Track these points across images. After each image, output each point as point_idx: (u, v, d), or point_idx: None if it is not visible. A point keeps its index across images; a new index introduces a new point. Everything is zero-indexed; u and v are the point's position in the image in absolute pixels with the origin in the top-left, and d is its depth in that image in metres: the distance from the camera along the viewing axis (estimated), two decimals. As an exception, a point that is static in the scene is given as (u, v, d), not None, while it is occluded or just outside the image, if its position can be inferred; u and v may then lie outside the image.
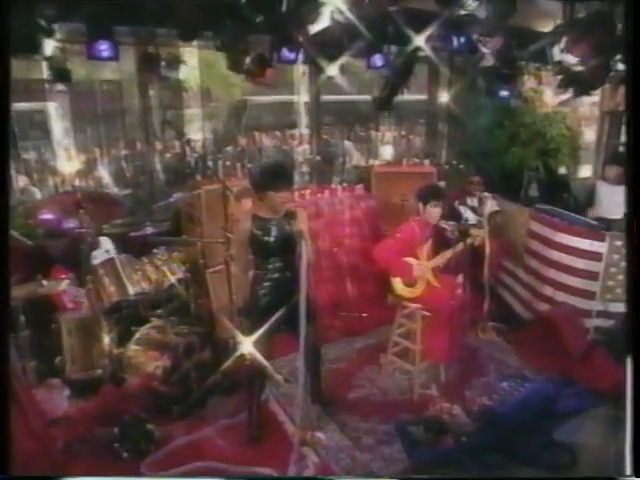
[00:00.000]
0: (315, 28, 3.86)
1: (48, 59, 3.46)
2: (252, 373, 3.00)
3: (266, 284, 2.87)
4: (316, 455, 2.89)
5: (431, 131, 6.60)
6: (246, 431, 3.07)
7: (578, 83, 3.66)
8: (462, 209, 4.76)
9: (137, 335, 3.34)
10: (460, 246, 3.35)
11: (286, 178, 2.84)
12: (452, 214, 4.66)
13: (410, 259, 3.33)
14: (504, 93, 5.54)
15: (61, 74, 3.66)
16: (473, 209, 4.73)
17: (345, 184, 5.31)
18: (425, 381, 3.57)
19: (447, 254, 3.38)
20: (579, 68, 3.47)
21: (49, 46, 3.40)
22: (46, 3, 3.27)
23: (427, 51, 5.29)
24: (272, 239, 2.84)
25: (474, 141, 6.07)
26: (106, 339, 3.25)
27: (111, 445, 2.90)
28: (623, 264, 3.68)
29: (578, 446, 2.96)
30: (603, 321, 3.84)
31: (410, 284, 3.34)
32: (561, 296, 3.99)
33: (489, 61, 4.12)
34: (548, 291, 4.11)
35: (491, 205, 4.47)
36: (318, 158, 5.72)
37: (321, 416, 3.24)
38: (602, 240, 3.70)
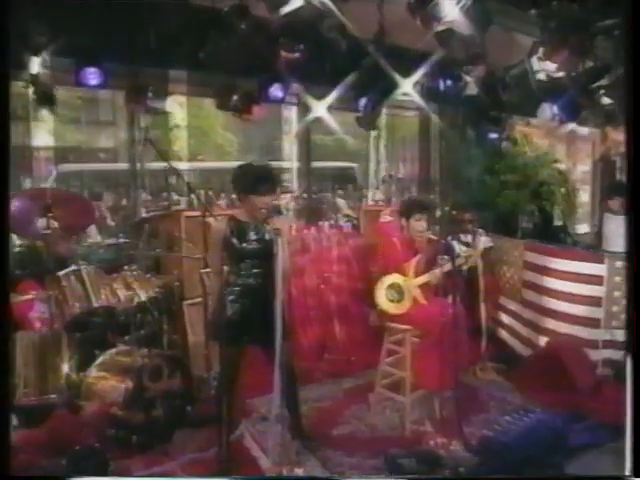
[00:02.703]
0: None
1: (34, 79, 3.55)
2: (224, 405, 2.78)
3: (237, 289, 2.72)
4: (292, 489, 2.60)
5: (424, 181, 6.74)
6: (214, 465, 2.79)
7: (557, 93, 3.79)
8: (455, 245, 4.70)
9: (100, 359, 3.13)
10: (449, 266, 3.25)
11: (270, 182, 2.73)
12: (445, 250, 4.61)
13: (395, 275, 3.21)
14: (493, 135, 5.74)
15: (46, 97, 3.76)
16: (467, 244, 4.67)
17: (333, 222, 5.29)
18: (418, 417, 3.31)
19: (436, 272, 3.26)
20: (558, 75, 3.60)
21: (35, 65, 3.50)
22: (35, 26, 3.44)
23: (414, 96, 5.58)
24: (247, 243, 2.73)
25: (466, 190, 6.16)
26: (65, 361, 3.04)
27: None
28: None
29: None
30: (611, 352, 3.63)
31: (395, 299, 3.19)
32: (564, 327, 3.81)
33: (473, 89, 4.28)
34: (550, 324, 3.93)
35: (485, 241, 4.43)
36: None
37: (301, 451, 2.95)
38: (601, 262, 3.61)
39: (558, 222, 5.58)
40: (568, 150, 8.73)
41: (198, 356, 3.75)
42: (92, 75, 4.05)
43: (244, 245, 2.74)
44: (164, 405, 3.07)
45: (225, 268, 2.80)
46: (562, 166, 5.92)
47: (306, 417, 3.20)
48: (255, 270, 2.74)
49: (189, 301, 3.98)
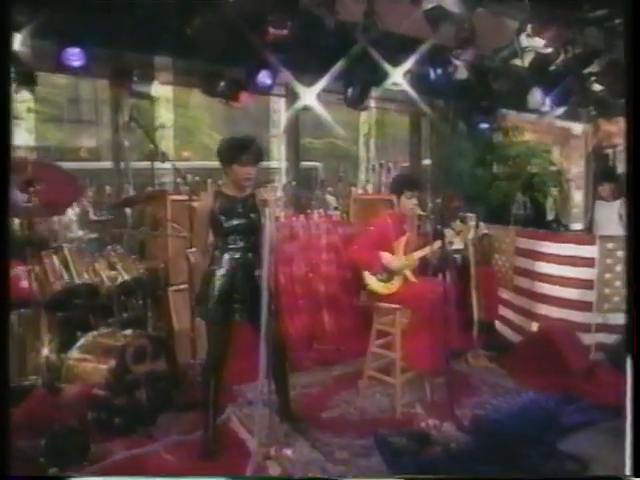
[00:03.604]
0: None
1: (14, 58, 3.54)
2: (211, 388, 2.78)
3: (224, 264, 2.73)
4: (280, 466, 2.59)
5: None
6: (200, 447, 2.78)
7: (546, 66, 3.86)
8: (447, 232, 4.74)
9: (82, 341, 3.11)
10: (438, 243, 3.29)
11: (254, 152, 2.75)
12: (436, 238, 4.65)
13: (385, 253, 3.24)
14: (484, 125, 5.83)
15: (26, 77, 3.76)
16: (458, 233, 4.71)
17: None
18: (409, 401, 3.33)
19: (425, 250, 3.30)
20: (547, 51, 3.68)
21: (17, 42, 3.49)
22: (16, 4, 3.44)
23: (404, 85, 5.65)
24: (234, 216, 2.74)
25: (458, 183, 6.24)
26: (45, 342, 3.02)
27: (36, 459, 2.59)
28: (619, 269, 3.62)
29: (587, 456, 2.70)
30: (604, 336, 3.69)
31: (384, 279, 3.22)
32: (556, 312, 3.86)
33: (462, 74, 4.35)
34: (542, 309, 3.98)
35: (479, 229, 4.48)
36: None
37: (289, 433, 2.95)
38: (592, 244, 3.67)
39: (550, 213, 5.66)
40: (562, 150, 8.89)
41: (184, 344, 3.75)
42: (75, 56, 4.06)
43: (231, 219, 2.74)
44: (148, 388, 3.04)
45: (212, 243, 2.82)
46: (554, 157, 6.02)
47: (295, 402, 3.19)
48: (242, 244, 2.75)
49: (174, 287, 3.97)
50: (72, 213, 3.31)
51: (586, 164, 7.53)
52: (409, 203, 3.28)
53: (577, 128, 8.64)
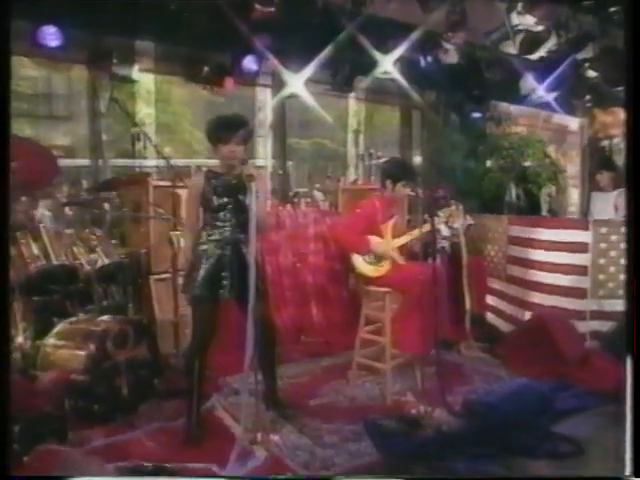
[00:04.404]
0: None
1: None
2: (195, 374, 2.81)
3: (212, 241, 2.80)
4: (266, 450, 2.64)
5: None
6: (183, 433, 2.81)
7: (537, 46, 3.99)
8: (436, 218, 4.83)
9: (58, 327, 3.13)
10: (427, 227, 3.37)
11: (236, 130, 2.83)
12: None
13: (372, 236, 3.32)
14: (476, 115, 5.96)
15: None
16: (446, 222, 4.80)
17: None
18: (400, 389, 3.40)
19: (414, 233, 3.38)
20: (538, 28, 3.81)
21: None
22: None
23: (395, 74, 5.76)
24: (224, 195, 2.83)
25: (450, 177, 6.34)
26: (20, 328, 3.04)
27: (8, 446, 2.61)
28: (613, 254, 3.73)
29: (581, 438, 2.79)
30: (599, 324, 3.79)
31: (373, 261, 3.30)
32: (550, 300, 3.96)
33: (453, 58, 4.47)
34: (536, 298, 4.08)
35: (465, 219, 4.58)
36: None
37: (276, 420, 3.00)
38: (585, 229, 3.78)
39: (545, 206, 5.78)
40: (559, 148, 9.06)
41: (166, 335, 3.78)
42: (51, 36, 4.09)
43: (221, 197, 2.83)
44: (129, 375, 3.08)
45: (201, 222, 2.90)
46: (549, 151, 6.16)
47: (282, 391, 3.24)
48: (232, 222, 2.83)
49: (157, 276, 4.01)
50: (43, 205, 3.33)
51: (582, 159, 7.70)
52: (404, 192, 3.37)
53: (573, 124, 8.84)
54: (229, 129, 2.81)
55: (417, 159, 7.53)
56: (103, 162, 5.84)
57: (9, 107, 1.98)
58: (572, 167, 9.35)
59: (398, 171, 3.46)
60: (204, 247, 2.81)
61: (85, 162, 6.45)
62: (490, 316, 4.65)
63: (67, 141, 15.00)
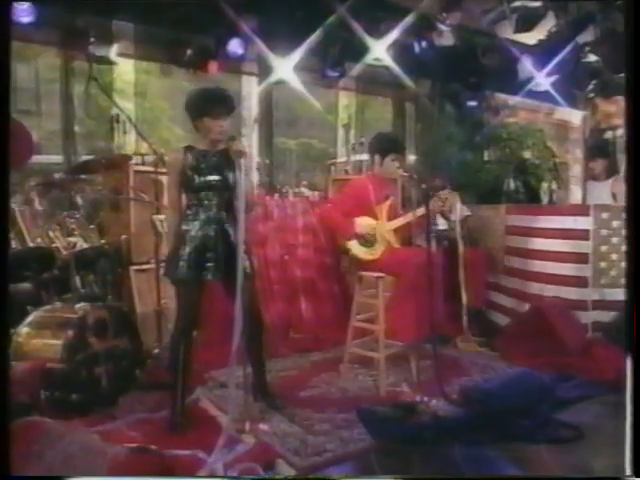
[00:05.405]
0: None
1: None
2: (179, 362, 2.86)
3: (196, 222, 2.84)
4: (254, 438, 2.70)
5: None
6: (168, 421, 2.86)
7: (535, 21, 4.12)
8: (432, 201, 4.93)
9: (31, 317, 3.16)
10: (422, 210, 3.45)
11: (224, 104, 2.89)
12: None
13: (366, 218, 3.40)
14: (472, 103, 6.09)
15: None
16: (442, 213, 4.91)
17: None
18: (394, 381, 3.48)
19: (409, 216, 3.46)
20: (535, 4, 3.94)
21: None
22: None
23: (387, 61, 5.88)
24: (207, 173, 2.85)
25: (446, 169, 6.46)
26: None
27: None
28: (615, 240, 3.85)
29: (582, 424, 2.88)
30: (602, 314, 3.88)
31: (366, 244, 3.37)
32: (550, 290, 4.05)
33: (449, 40, 4.59)
34: (535, 288, 4.18)
35: (461, 210, 4.70)
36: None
37: (265, 410, 3.06)
38: (586, 214, 3.89)
39: (545, 198, 5.89)
40: (561, 145, 9.23)
41: (148, 327, 3.82)
42: (23, 12, 4.15)
43: (203, 174, 2.85)
44: (109, 365, 3.13)
45: (183, 201, 2.95)
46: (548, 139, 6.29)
47: (271, 384, 3.27)
48: (216, 201, 2.87)
49: (137, 267, 4.06)
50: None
51: (585, 156, 7.86)
52: (393, 166, 3.46)
53: (576, 119, 9.02)
54: (214, 101, 2.85)
55: (411, 156, 7.66)
56: (75, 159, 5.88)
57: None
58: (575, 164, 9.54)
59: (385, 144, 3.54)
60: (186, 227, 2.84)
61: (57, 159, 6.49)
62: (488, 309, 4.74)
63: (33, 137, 15.00)
